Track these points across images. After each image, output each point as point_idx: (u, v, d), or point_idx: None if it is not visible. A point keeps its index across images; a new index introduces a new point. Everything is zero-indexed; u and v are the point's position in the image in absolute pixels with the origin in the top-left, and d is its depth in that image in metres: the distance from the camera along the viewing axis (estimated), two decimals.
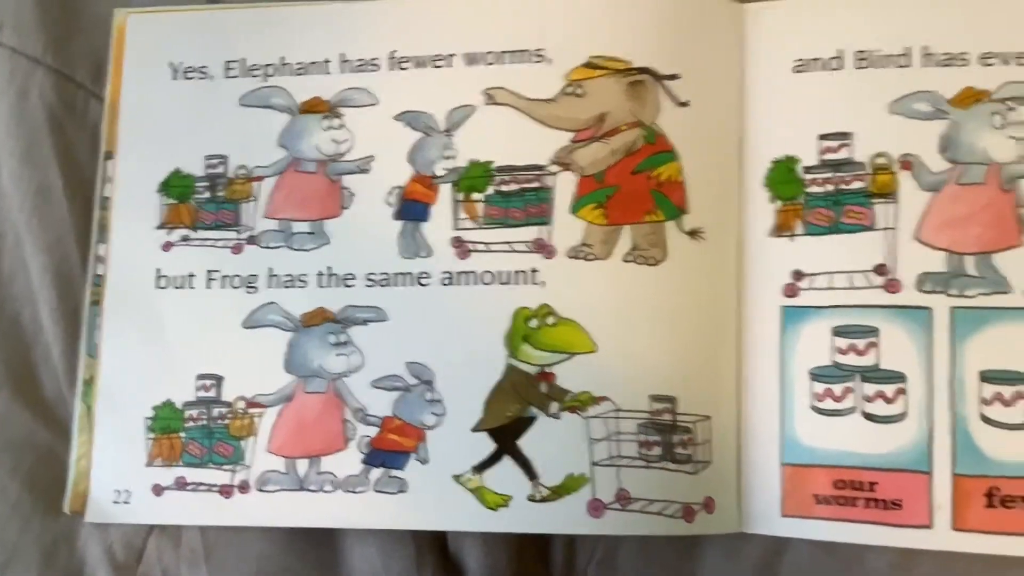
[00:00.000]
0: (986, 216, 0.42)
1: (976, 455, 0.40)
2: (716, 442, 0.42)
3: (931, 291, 0.42)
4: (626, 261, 0.43)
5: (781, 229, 0.44)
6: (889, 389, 0.42)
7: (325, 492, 0.43)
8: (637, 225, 0.43)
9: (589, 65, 0.44)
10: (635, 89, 0.44)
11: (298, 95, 0.47)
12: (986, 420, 0.40)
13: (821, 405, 0.42)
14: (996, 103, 0.42)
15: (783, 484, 0.42)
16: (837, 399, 0.42)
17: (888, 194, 0.43)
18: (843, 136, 0.43)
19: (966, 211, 0.42)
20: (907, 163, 0.43)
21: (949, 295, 0.41)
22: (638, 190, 0.43)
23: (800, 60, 0.44)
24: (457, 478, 0.43)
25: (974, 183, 0.42)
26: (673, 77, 0.44)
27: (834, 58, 0.44)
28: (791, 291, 0.43)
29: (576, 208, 0.44)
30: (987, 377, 0.41)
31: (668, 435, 0.42)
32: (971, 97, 0.42)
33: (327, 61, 0.47)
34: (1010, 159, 0.42)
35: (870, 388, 0.42)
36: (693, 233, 0.43)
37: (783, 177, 0.44)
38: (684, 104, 0.44)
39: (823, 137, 0.44)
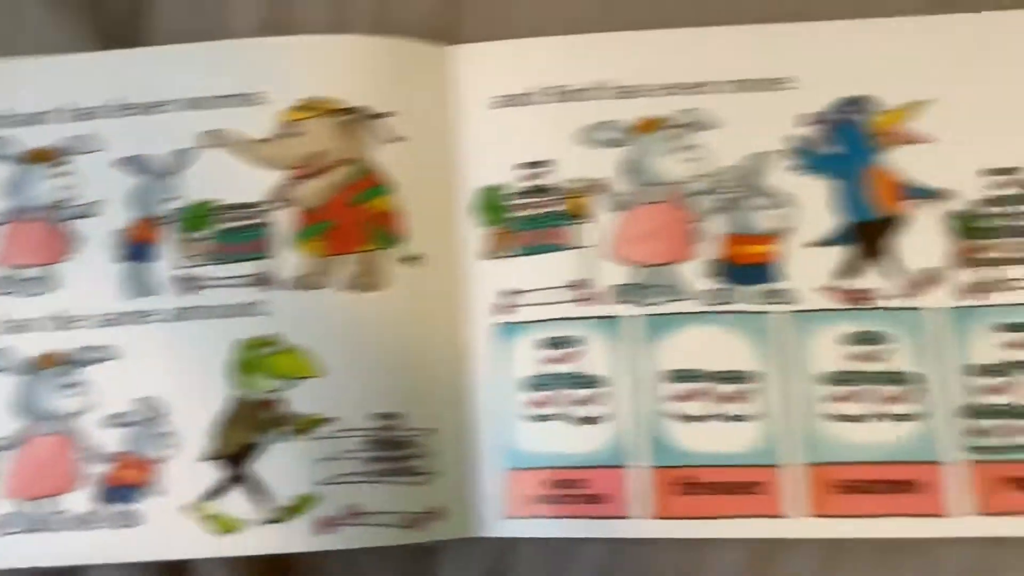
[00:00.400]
0: (666, 231, 0.46)
1: (667, 448, 0.45)
2: (443, 454, 0.45)
3: (623, 301, 0.46)
4: (346, 289, 0.45)
5: (492, 251, 0.47)
6: (590, 393, 0.45)
7: (63, 531, 0.44)
8: (356, 254, 0.46)
9: (304, 107, 0.47)
10: (349, 128, 0.47)
11: (25, 144, 0.47)
12: (674, 416, 0.45)
13: (534, 412, 0.46)
14: (673, 129, 0.47)
15: (505, 488, 0.45)
16: (547, 405, 0.46)
17: (581, 215, 0.47)
18: (541, 164, 0.47)
19: (649, 227, 0.46)
20: (596, 186, 0.47)
21: (637, 304, 0.46)
22: (355, 222, 0.46)
23: (501, 96, 0.48)
24: (191, 507, 0.44)
25: (655, 202, 0.47)
26: (384, 115, 0.47)
27: (530, 93, 0.48)
28: (503, 309, 0.47)
29: (296, 241, 0.46)
30: (672, 376, 0.45)
31: (395, 450, 0.45)
32: (650, 125, 0.47)
33: (53, 111, 0.48)
34: (685, 179, 0.46)
35: (575, 393, 0.45)
36: (411, 259, 0.46)
37: (490, 204, 0.47)
38: (396, 140, 0.47)
39: (523, 166, 0.47)
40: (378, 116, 0.47)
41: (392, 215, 0.46)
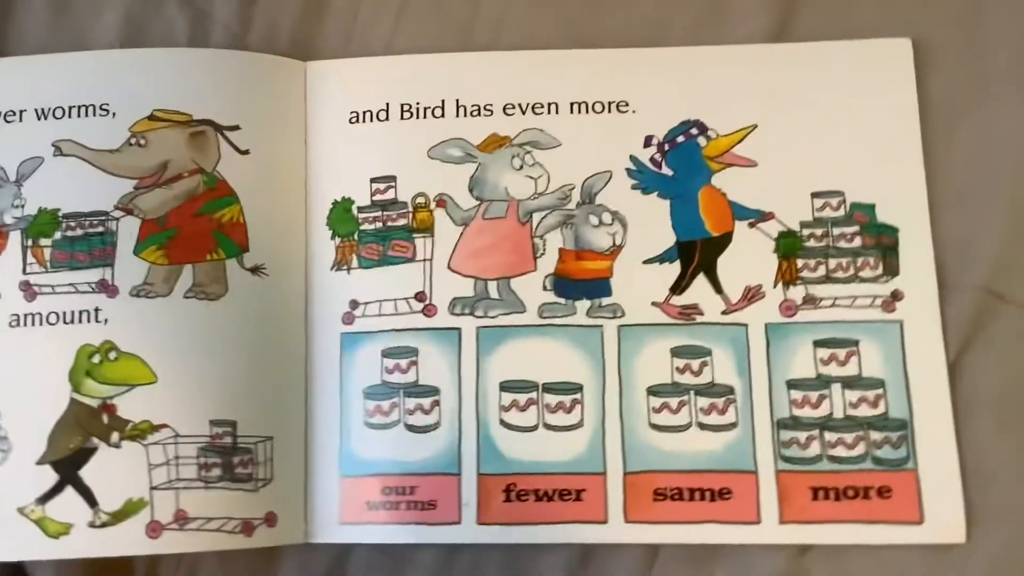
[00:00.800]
0: (507, 245, 0.48)
1: (497, 456, 0.46)
2: (279, 460, 0.46)
3: (460, 313, 0.47)
4: (187, 297, 0.46)
5: (340, 263, 0.48)
6: (427, 402, 0.46)
7: None
8: (199, 264, 0.46)
9: (152, 118, 0.48)
10: (196, 139, 0.48)
11: None
12: (505, 424, 0.46)
13: (372, 420, 0.47)
14: (516, 147, 0.48)
15: (341, 495, 0.46)
16: (385, 414, 0.46)
17: (426, 229, 0.48)
18: (389, 179, 0.48)
19: (490, 242, 0.48)
20: (442, 201, 0.48)
21: (475, 316, 0.47)
22: (199, 231, 0.47)
23: (354, 112, 0.49)
24: (21, 510, 0.44)
25: (497, 217, 0.48)
26: (234, 128, 0.48)
27: (382, 110, 0.49)
28: (348, 319, 0.47)
29: (139, 250, 0.46)
30: (505, 387, 0.46)
31: (228, 456, 0.45)
32: (495, 143, 0.48)
33: None
34: (527, 195, 0.48)
35: (411, 402, 0.46)
36: (254, 269, 0.47)
37: (341, 217, 0.48)
38: (244, 152, 0.48)
39: (373, 180, 0.48)
40: (228, 129, 0.48)
41: (238, 225, 0.47)
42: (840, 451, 0.44)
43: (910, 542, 0.43)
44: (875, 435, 0.44)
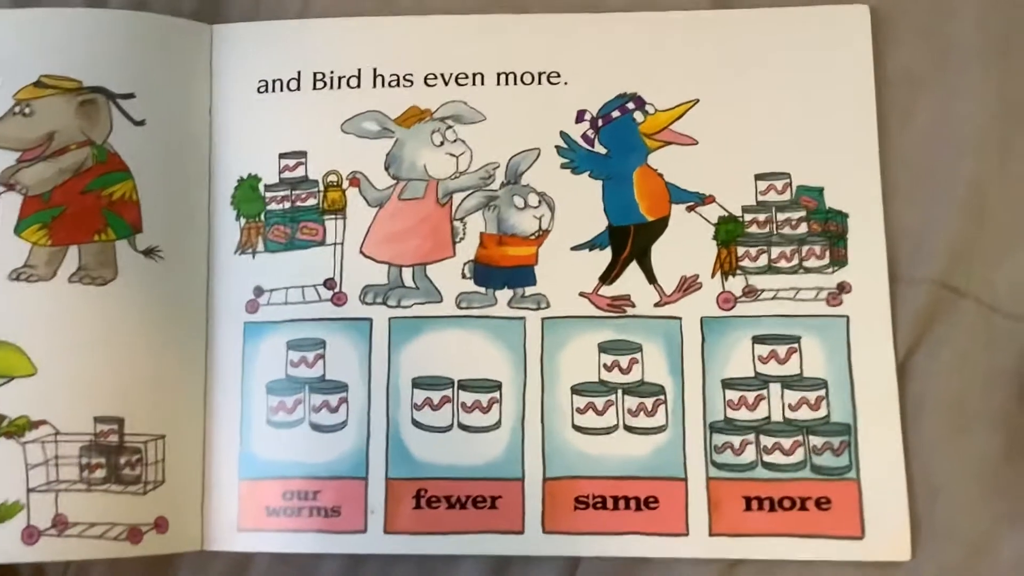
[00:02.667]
0: (424, 229, 0.44)
1: (407, 459, 0.42)
2: (172, 461, 0.42)
3: (372, 302, 0.43)
4: (71, 282, 0.42)
5: (244, 246, 0.44)
6: (333, 398, 0.43)
7: None
8: (85, 245, 0.42)
9: (39, 84, 0.43)
10: (86, 108, 0.43)
11: None
12: (416, 424, 0.42)
13: (275, 418, 0.43)
14: (437, 122, 0.44)
15: (240, 499, 0.42)
16: (289, 411, 0.43)
17: (338, 210, 0.44)
18: (299, 155, 0.44)
19: (406, 225, 0.44)
20: (355, 180, 0.44)
21: (388, 306, 0.43)
22: (87, 209, 0.43)
23: (263, 80, 0.45)
24: None
25: (414, 198, 0.44)
26: (128, 96, 0.44)
27: (293, 79, 0.45)
28: (252, 307, 0.44)
29: (20, 229, 0.43)
30: (418, 383, 0.42)
31: (114, 456, 0.41)
32: (415, 116, 0.44)
33: None
34: (447, 174, 0.44)
35: (317, 398, 0.42)
36: (148, 252, 0.43)
37: (247, 195, 0.45)
38: (140, 123, 0.44)
39: (282, 156, 0.44)
40: (121, 97, 0.43)
41: (131, 204, 0.43)
42: (777, 457, 0.40)
43: (850, 559, 0.40)
44: (815, 440, 0.40)
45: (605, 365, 0.42)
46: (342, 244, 0.44)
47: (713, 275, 0.42)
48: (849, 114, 0.43)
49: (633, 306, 0.42)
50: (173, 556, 0.43)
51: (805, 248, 0.42)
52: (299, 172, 0.45)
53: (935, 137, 0.43)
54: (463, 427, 0.42)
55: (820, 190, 0.42)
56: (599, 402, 0.41)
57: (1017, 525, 0.39)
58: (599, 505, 0.41)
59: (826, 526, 0.40)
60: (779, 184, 0.43)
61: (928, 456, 0.40)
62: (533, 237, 0.43)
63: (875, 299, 0.41)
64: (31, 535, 0.40)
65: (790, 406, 0.41)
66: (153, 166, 0.44)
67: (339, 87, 0.45)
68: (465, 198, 0.44)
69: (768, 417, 0.41)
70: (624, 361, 0.42)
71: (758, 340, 0.41)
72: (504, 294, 0.43)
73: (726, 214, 0.42)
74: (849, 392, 0.41)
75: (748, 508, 0.40)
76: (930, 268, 0.41)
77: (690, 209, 0.43)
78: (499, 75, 0.44)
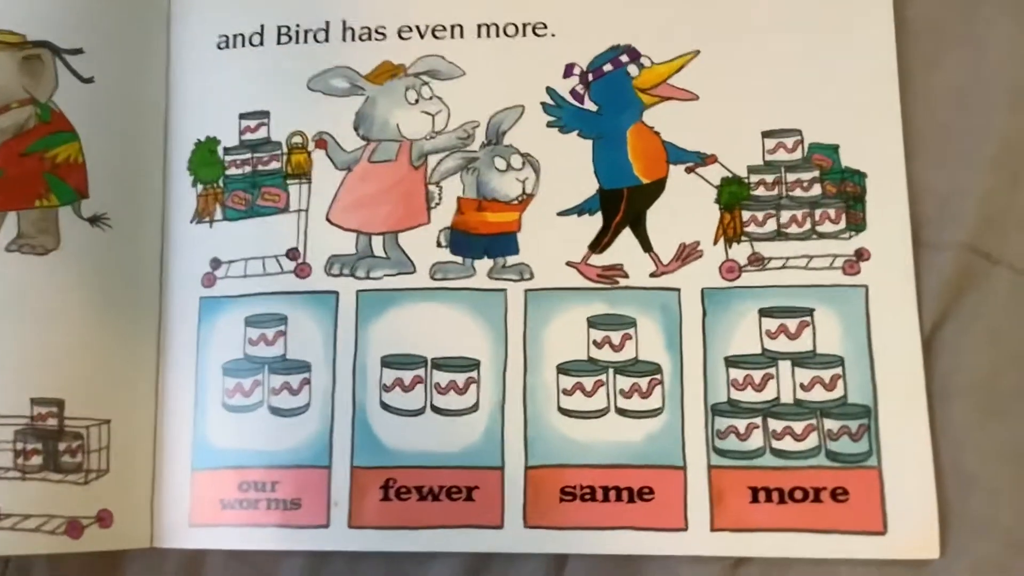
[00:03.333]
0: (395, 194, 0.40)
1: (375, 445, 0.38)
2: (118, 448, 0.39)
3: (339, 274, 0.39)
4: (9, 251, 0.39)
5: (201, 214, 0.40)
6: (295, 379, 0.39)
7: None
8: (25, 211, 0.39)
9: None
10: (30, 64, 0.40)
11: None
12: (385, 407, 0.38)
13: (231, 402, 0.39)
14: (411, 78, 0.40)
15: (192, 491, 0.38)
16: (246, 394, 0.39)
17: (302, 174, 0.40)
18: (262, 115, 0.41)
19: (376, 189, 0.40)
20: (322, 142, 0.40)
21: (356, 277, 0.39)
22: (28, 173, 0.39)
23: (224, 35, 0.41)
24: None
25: (385, 160, 0.40)
26: (76, 52, 0.40)
27: (256, 33, 0.41)
28: (209, 280, 0.40)
29: None
30: (388, 362, 0.38)
31: (52, 442, 0.38)
32: (387, 72, 0.41)
33: None
34: (422, 135, 0.40)
35: (277, 380, 0.39)
36: (95, 220, 0.39)
37: (204, 159, 0.41)
38: (88, 80, 0.40)
39: (243, 116, 0.41)
40: (68, 52, 0.40)
41: (76, 167, 0.40)
42: (787, 443, 0.36)
43: (870, 557, 0.35)
44: (830, 424, 0.36)
45: (595, 342, 0.38)
46: (307, 211, 0.40)
47: (715, 242, 0.38)
48: (867, 64, 0.39)
49: (626, 276, 0.38)
50: (120, 553, 0.39)
51: (818, 211, 0.38)
52: (261, 133, 0.41)
53: (962, 90, 0.39)
54: (437, 410, 0.38)
55: (835, 148, 0.38)
56: (588, 382, 0.37)
57: None
58: (587, 497, 0.36)
59: (843, 520, 0.36)
60: (789, 142, 0.38)
61: (958, 441, 0.36)
62: (516, 202, 0.39)
63: (897, 267, 0.37)
64: None
65: (802, 386, 0.37)
66: (102, 127, 0.41)
67: (305, 41, 0.42)
68: (441, 160, 0.40)
69: (777, 398, 0.37)
70: (616, 337, 0.38)
71: (765, 313, 0.37)
72: (483, 264, 0.39)
73: (730, 175, 0.38)
74: (869, 370, 0.36)
75: (754, 500, 0.36)
76: (958, 232, 0.37)
77: (690, 170, 0.39)
78: (479, 26, 0.41)
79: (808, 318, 0.37)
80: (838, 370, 0.37)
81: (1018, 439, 0.36)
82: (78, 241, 0.39)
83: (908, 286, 0.37)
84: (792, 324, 0.37)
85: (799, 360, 0.37)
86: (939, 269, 0.37)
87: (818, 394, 0.37)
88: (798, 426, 0.36)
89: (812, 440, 0.36)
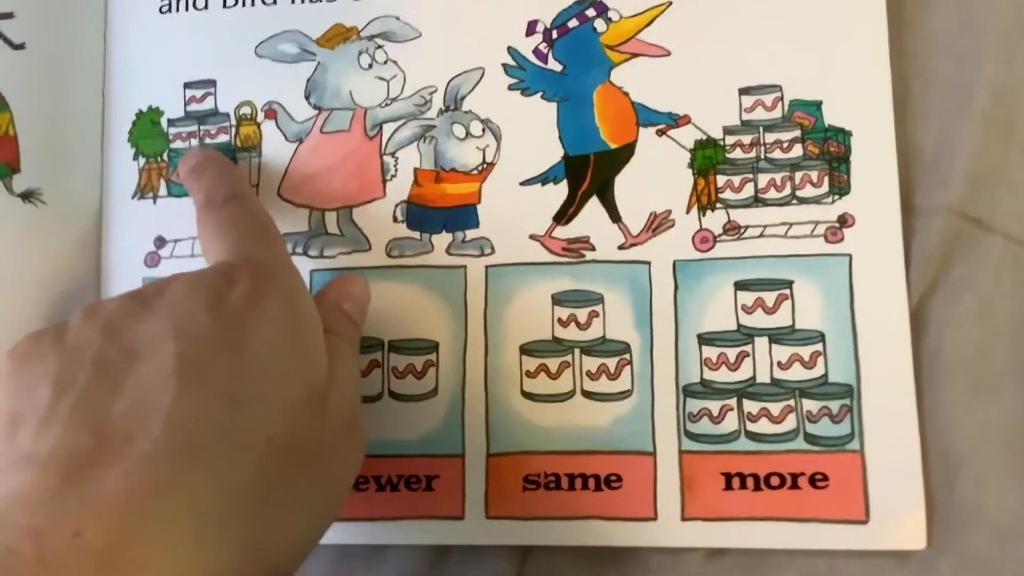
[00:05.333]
0: (349, 166, 0.37)
1: None
2: None
3: (291, 253, 0.37)
4: None
5: (144, 190, 0.38)
6: None
7: None
8: None
9: None
10: None
11: None
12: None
13: None
14: (364, 41, 0.38)
15: None
16: None
17: (252, 147, 0.38)
18: (207, 84, 0.38)
19: (329, 162, 0.37)
20: (271, 112, 0.38)
21: (309, 256, 0.37)
22: None
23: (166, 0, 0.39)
24: None
25: (338, 131, 0.37)
26: (6, 16, 0.38)
27: None
28: (153, 260, 0.38)
29: None
30: None
31: None
32: (339, 35, 0.38)
33: None
34: (376, 102, 0.37)
35: None
36: (27, 196, 0.37)
37: (146, 131, 0.39)
38: (19, 47, 0.38)
39: (188, 85, 0.38)
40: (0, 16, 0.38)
41: (6, 139, 0.38)
42: (763, 426, 0.34)
43: (852, 547, 0.33)
44: (810, 405, 0.33)
45: (560, 320, 0.35)
46: (257, 186, 0.38)
47: (688, 210, 0.35)
48: (853, 13, 0.35)
49: (593, 249, 0.36)
50: None
51: (799, 174, 0.35)
52: (207, 104, 0.39)
53: (955, 40, 0.35)
54: (394, 395, 0.36)
55: (818, 104, 0.35)
56: (553, 364, 0.35)
57: None
58: (552, 485, 0.34)
59: (822, 508, 0.33)
60: (768, 99, 0.36)
61: (947, 423, 0.33)
62: (476, 172, 0.36)
63: (883, 233, 0.34)
64: None
65: (780, 364, 0.34)
66: (35, 96, 0.38)
67: (252, 4, 0.39)
68: (397, 129, 0.37)
69: (753, 378, 0.34)
70: (582, 315, 0.35)
71: (741, 286, 0.34)
72: (442, 239, 0.36)
73: (704, 137, 0.36)
74: (851, 346, 0.34)
75: (728, 487, 0.33)
76: (948, 195, 0.34)
77: (661, 133, 0.36)
78: None
79: (787, 291, 0.34)
80: (818, 346, 0.34)
81: (1012, 419, 0.33)
82: (9, 219, 0.38)
83: (895, 254, 0.34)
84: (770, 298, 0.34)
85: (777, 336, 0.34)
86: (927, 236, 0.34)
87: (797, 373, 0.34)
88: (775, 407, 0.34)
89: (790, 422, 0.34)
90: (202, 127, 0.39)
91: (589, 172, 0.36)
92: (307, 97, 0.38)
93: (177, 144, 0.39)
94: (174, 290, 0.28)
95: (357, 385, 0.31)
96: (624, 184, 0.36)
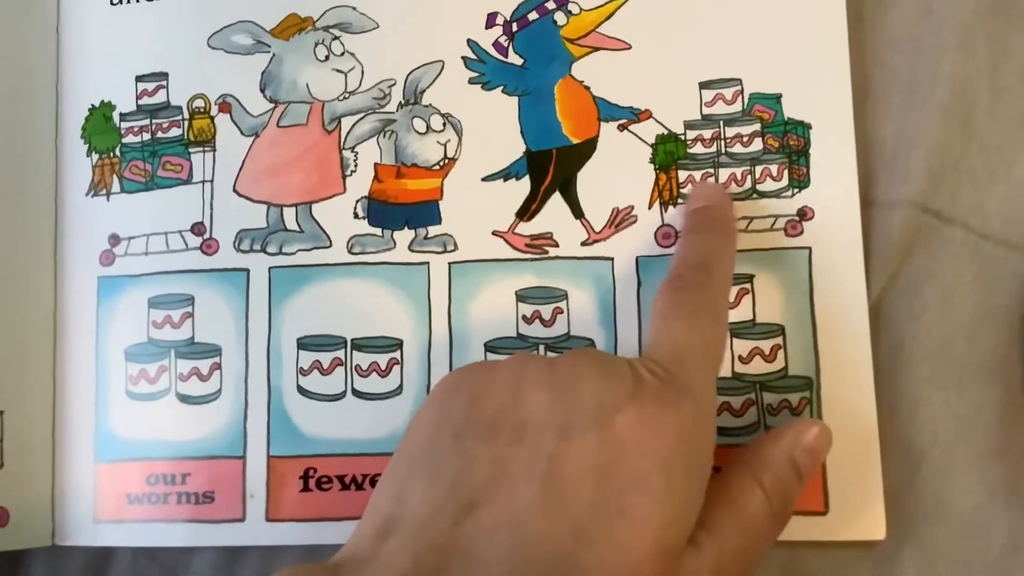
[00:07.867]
0: (308, 161, 0.37)
1: (292, 433, 0.36)
2: (13, 441, 0.36)
3: (249, 250, 0.36)
4: None
5: (97, 187, 0.37)
6: (204, 364, 0.36)
7: None
8: None
9: None
10: None
11: None
12: (303, 392, 0.35)
13: (135, 389, 0.37)
14: (320, 32, 0.37)
15: (96, 485, 0.36)
16: (152, 381, 0.36)
17: (206, 142, 0.37)
18: (159, 77, 0.38)
19: (286, 156, 0.37)
20: (225, 105, 0.37)
21: (268, 253, 0.36)
22: None
23: None
24: None
25: (295, 124, 0.37)
26: None
27: None
28: (107, 259, 0.37)
29: None
30: (305, 344, 0.36)
31: None
32: (294, 26, 0.37)
33: None
34: (334, 95, 0.37)
35: (185, 365, 0.36)
36: None
37: (99, 126, 0.38)
38: None
39: (140, 79, 0.38)
40: None
41: None
42: (725, 420, 0.34)
43: (811, 538, 0.33)
44: (770, 398, 0.34)
45: (524, 317, 0.35)
46: (212, 182, 0.37)
47: (651, 206, 0.35)
48: (812, 5, 0.35)
49: (556, 246, 0.35)
50: (19, 553, 0.36)
51: (759, 168, 0.35)
52: (160, 97, 0.38)
53: (915, 33, 0.35)
54: (358, 394, 0.35)
55: (777, 97, 0.35)
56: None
57: (1015, 499, 0.33)
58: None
59: None
60: (728, 93, 0.36)
61: (908, 415, 0.33)
62: (437, 167, 0.36)
63: (843, 226, 0.34)
64: None
65: (740, 358, 0.34)
66: None
67: None
68: (356, 123, 0.37)
69: None
70: (547, 311, 0.35)
71: None
72: (404, 236, 0.36)
73: (665, 132, 0.35)
74: (811, 339, 0.34)
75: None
76: (908, 188, 0.34)
77: (622, 128, 0.36)
78: None
79: (748, 285, 0.35)
80: (778, 340, 0.34)
81: (973, 412, 0.33)
82: None
83: (855, 247, 0.34)
84: (731, 292, 0.35)
85: (737, 330, 0.34)
86: (887, 229, 0.34)
87: (757, 366, 0.34)
88: (736, 401, 0.34)
89: (751, 415, 0.34)
90: (154, 121, 0.38)
91: (551, 168, 0.36)
92: (262, 90, 0.37)
93: (130, 139, 0.38)
94: (583, 386, 0.27)
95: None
96: (586, 180, 0.36)
